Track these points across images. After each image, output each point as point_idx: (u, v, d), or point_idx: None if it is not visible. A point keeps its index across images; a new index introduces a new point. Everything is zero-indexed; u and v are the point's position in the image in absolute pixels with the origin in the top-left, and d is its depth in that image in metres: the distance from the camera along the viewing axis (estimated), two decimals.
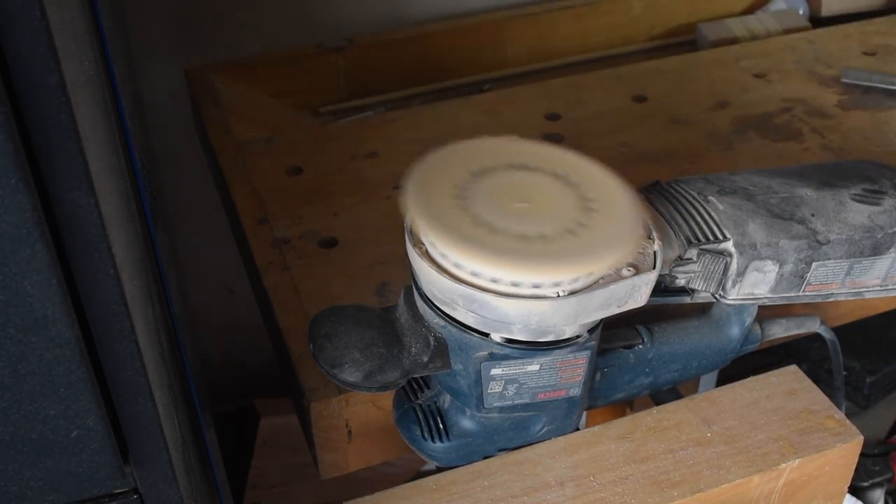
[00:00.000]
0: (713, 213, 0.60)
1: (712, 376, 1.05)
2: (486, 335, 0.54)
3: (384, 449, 0.70)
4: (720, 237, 0.59)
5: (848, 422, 0.62)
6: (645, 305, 0.55)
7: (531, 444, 0.60)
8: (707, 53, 1.11)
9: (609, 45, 1.17)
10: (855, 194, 0.64)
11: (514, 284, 0.51)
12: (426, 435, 0.59)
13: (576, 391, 0.58)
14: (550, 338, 0.54)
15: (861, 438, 0.61)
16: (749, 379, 0.65)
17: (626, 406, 0.79)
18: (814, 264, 0.60)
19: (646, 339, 0.64)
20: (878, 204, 0.63)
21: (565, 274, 0.51)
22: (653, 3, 1.19)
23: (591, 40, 1.17)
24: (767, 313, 0.68)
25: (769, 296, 0.61)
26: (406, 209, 0.54)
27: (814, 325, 0.70)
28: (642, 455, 0.59)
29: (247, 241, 0.80)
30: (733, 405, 0.63)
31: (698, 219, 0.60)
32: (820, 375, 1.21)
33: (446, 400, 0.59)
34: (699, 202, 0.61)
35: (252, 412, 1.29)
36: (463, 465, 0.59)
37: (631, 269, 0.54)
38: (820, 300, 0.63)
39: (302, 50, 1.05)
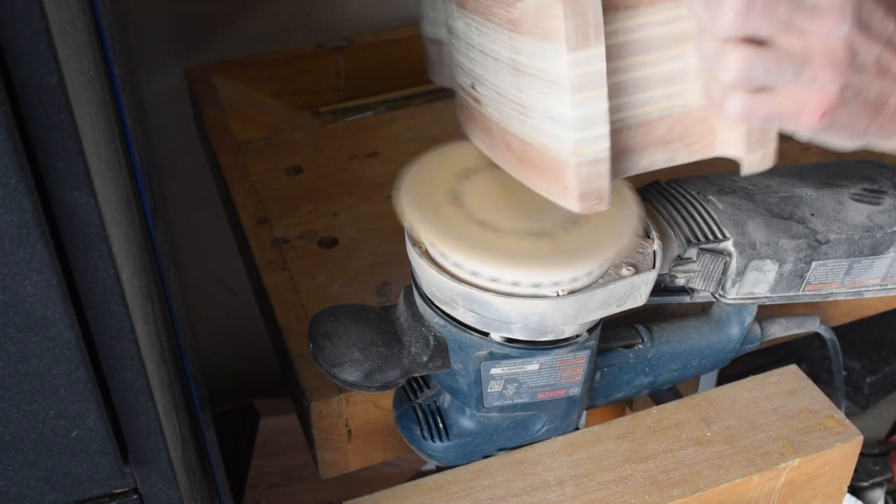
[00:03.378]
0: (713, 213, 0.60)
1: (712, 376, 1.05)
2: (486, 334, 0.54)
3: (384, 448, 0.70)
4: (720, 237, 0.59)
5: (848, 421, 0.62)
6: (644, 305, 0.56)
7: (531, 443, 0.60)
8: None
9: None
10: (854, 194, 0.64)
11: (514, 284, 0.51)
12: (426, 434, 0.59)
13: (575, 390, 0.58)
14: (550, 337, 0.55)
15: (861, 438, 0.61)
16: (749, 378, 0.65)
17: (626, 406, 0.79)
18: (813, 264, 0.60)
19: (645, 339, 0.64)
20: (877, 203, 0.63)
21: (564, 273, 0.51)
22: None
23: None
24: (767, 313, 0.68)
25: (769, 295, 0.61)
26: (402, 212, 0.54)
27: (813, 325, 0.70)
28: (642, 454, 0.59)
29: (247, 241, 0.80)
30: (733, 405, 0.63)
31: (698, 218, 0.60)
32: (820, 375, 1.21)
33: (446, 399, 0.59)
34: (699, 201, 0.61)
35: (252, 412, 1.29)
36: (463, 465, 0.59)
37: (630, 268, 0.54)
38: (820, 300, 0.63)
39: (302, 50, 1.05)
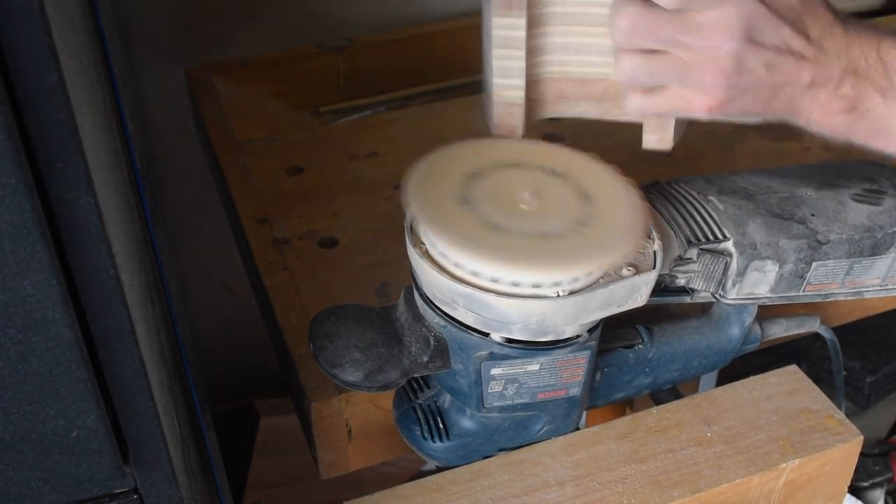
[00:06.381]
0: (713, 213, 0.60)
1: (712, 376, 1.05)
2: (486, 335, 0.54)
3: (384, 449, 0.70)
4: (720, 237, 0.59)
5: (848, 421, 0.62)
6: (645, 305, 0.55)
7: (531, 443, 0.60)
8: None
9: None
10: (855, 194, 0.64)
11: (514, 284, 0.51)
12: (426, 434, 0.59)
13: (576, 391, 0.58)
14: (550, 337, 0.54)
15: (861, 438, 0.61)
16: (749, 379, 0.65)
17: (626, 406, 0.79)
18: (814, 264, 0.60)
19: (646, 339, 0.64)
20: (877, 204, 0.63)
21: (565, 273, 0.51)
22: None
23: None
24: (767, 313, 0.68)
25: (769, 295, 0.61)
26: (407, 208, 0.54)
27: (814, 325, 0.70)
28: (642, 455, 0.59)
29: (247, 241, 0.80)
30: (733, 405, 0.63)
31: (698, 219, 0.60)
32: (820, 375, 1.21)
33: (446, 399, 0.59)
34: (699, 202, 0.61)
35: (252, 412, 1.29)
36: (463, 465, 0.59)
37: (631, 268, 0.54)
38: (820, 300, 0.63)
39: (302, 50, 1.05)
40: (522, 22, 0.55)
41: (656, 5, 0.52)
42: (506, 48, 0.56)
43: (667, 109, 0.56)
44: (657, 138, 0.59)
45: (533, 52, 0.57)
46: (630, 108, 0.57)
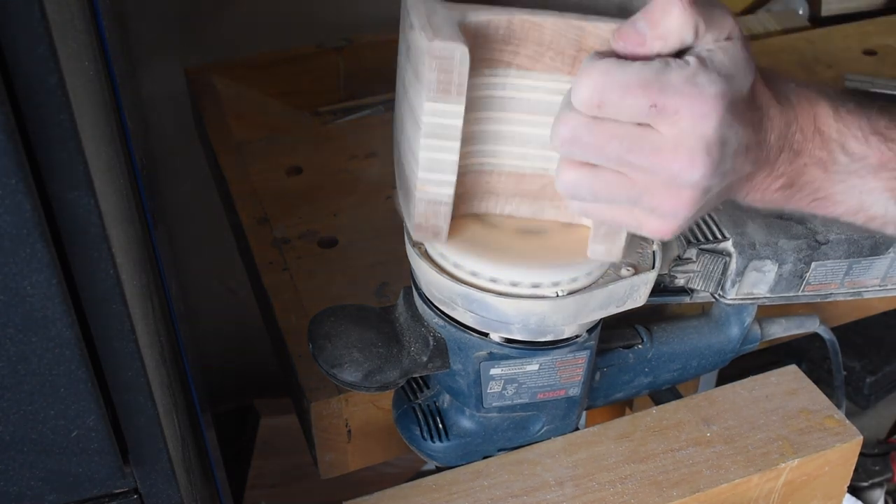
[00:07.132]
0: (712, 213, 0.60)
1: (712, 376, 1.05)
2: (486, 335, 0.54)
3: (384, 449, 0.70)
4: (719, 237, 0.59)
5: (847, 421, 0.62)
6: (644, 305, 0.55)
7: (531, 443, 0.60)
8: None
9: None
10: None
11: (513, 284, 0.51)
12: (426, 435, 0.59)
13: (575, 391, 0.58)
14: (550, 338, 0.55)
15: (860, 438, 0.61)
16: (749, 379, 0.65)
17: (626, 406, 0.79)
18: (813, 264, 0.60)
19: (645, 339, 0.64)
20: None
21: (564, 273, 0.51)
22: None
23: None
24: (767, 313, 0.68)
25: (768, 296, 0.61)
26: (402, 211, 0.54)
27: (813, 325, 0.70)
28: (642, 455, 0.59)
29: (247, 241, 0.80)
30: (733, 405, 0.63)
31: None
32: (820, 375, 1.21)
33: (446, 400, 0.59)
34: None
35: (252, 412, 1.29)
36: (462, 465, 0.59)
37: (630, 268, 0.54)
38: (819, 300, 0.64)
39: (302, 50, 1.05)
40: (460, 109, 0.45)
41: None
42: (438, 138, 0.46)
43: (614, 221, 0.48)
44: (605, 249, 0.51)
45: (462, 140, 0.47)
46: (572, 209, 0.49)
